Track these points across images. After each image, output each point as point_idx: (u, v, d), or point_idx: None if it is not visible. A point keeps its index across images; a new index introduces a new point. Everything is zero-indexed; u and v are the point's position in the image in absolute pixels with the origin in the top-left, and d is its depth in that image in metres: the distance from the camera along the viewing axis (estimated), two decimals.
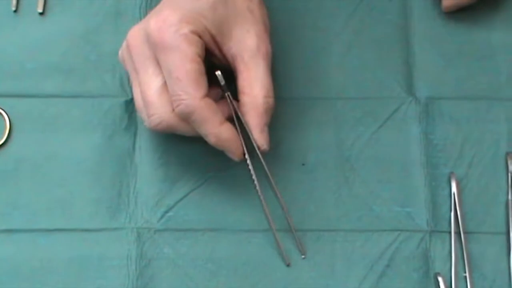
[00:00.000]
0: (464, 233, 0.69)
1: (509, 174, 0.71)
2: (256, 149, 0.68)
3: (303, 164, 0.71)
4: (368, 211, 0.70)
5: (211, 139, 0.66)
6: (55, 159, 0.71)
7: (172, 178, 0.71)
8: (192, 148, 0.70)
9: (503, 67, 0.74)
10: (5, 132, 0.71)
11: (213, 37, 0.66)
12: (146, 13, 0.74)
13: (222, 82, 0.67)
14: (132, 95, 0.70)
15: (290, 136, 0.72)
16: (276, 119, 0.72)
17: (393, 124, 0.72)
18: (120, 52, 0.69)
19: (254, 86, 0.67)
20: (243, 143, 0.67)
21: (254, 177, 0.68)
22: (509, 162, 0.71)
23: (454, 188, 0.70)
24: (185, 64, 0.64)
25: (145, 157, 0.71)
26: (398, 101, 0.73)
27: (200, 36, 0.65)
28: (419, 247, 0.69)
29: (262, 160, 0.68)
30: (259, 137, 0.67)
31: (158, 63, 0.65)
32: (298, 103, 0.73)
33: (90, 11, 0.75)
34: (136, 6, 0.75)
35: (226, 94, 0.67)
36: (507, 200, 0.70)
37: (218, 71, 0.66)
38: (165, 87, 0.65)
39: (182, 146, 0.71)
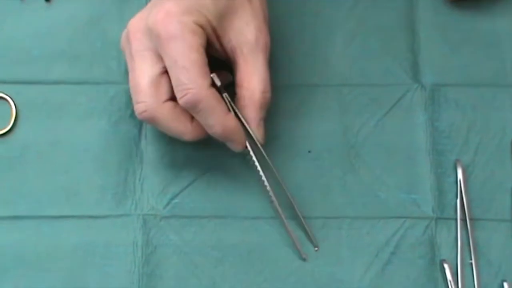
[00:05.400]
0: (470, 220, 0.69)
1: None
2: (257, 141, 0.68)
3: (309, 152, 0.71)
4: (373, 198, 0.70)
5: (217, 129, 0.65)
6: (61, 145, 0.71)
7: (178, 165, 0.71)
8: None
9: (508, 54, 0.74)
10: (11, 119, 0.71)
11: (214, 30, 0.66)
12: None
13: (218, 84, 0.66)
14: None
15: (295, 124, 0.72)
16: (281, 107, 0.72)
17: (398, 111, 0.72)
18: (121, 39, 0.69)
19: (252, 80, 0.67)
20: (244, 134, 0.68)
21: (259, 168, 0.68)
22: None
23: (460, 175, 0.70)
24: (190, 54, 0.63)
25: (151, 144, 0.71)
26: (404, 88, 0.73)
27: (202, 28, 0.64)
28: (425, 234, 0.69)
29: (264, 153, 0.68)
30: (256, 131, 0.68)
31: (156, 54, 0.65)
32: (303, 90, 0.73)
33: None
34: None
35: (223, 95, 0.67)
36: None
37: (213, 73, 0.66)
38: (159, 78, 0.65)
39: None
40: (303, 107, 0.72)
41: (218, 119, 0.65)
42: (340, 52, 0.74)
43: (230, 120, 0.66)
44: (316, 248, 0.69)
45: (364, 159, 0.71)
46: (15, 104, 0.72)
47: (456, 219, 0.69)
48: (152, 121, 0.66)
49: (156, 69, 0.65)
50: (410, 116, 0.72)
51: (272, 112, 0.71)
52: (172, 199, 0.70)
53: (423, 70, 0.73)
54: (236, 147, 0.67)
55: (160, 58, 0.65)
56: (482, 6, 0.75)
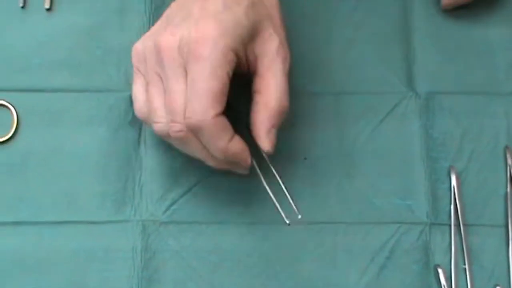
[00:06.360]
0: (464, 225, 0.70)
1: (508, 168, 0.71)
2: (261, 149, 0.66)
3: (305, 158, 0.72)
4: (369, 204, 0.71)
5: (218, 156, 0.65)
6: (61, 152, 0.72)
7: (176, 172, 0.71)
8: None
9: (501, 63, 0.75)
10: (12, 126, 0.72)
11: (245, 46, 0.65)
12: (151, 9, 0.75)
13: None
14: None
15: (292, 131, 0.72)
16: None
17: (393, 119, 0.73)
18: (138, 52, 0.67)
19: (269, 86, 0.66)
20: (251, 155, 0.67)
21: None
22: (507, 155, 0.72)
23: (453, 182, 0.71)
24: (210, 81, 0.62)
25: (150, 150, 0.72)
26: (399, 96, 0.74)
27: (235, 52, 0.64)
28: (419, 240, 0.70)
29: (270, 165, 0.68)
30: (264, 138, 0.66)
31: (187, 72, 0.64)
32: (299, 98, 0.73)
33: (96, 7, 0.75)
34: (141, 2, 0.76)
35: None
36: (506, 193, 0.71)
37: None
38: None
39: None
40: (300, 115, 0.73)
41: (219, 147, 0.64)
42: (336, 60, 0.75)
43: (232, 146, 0.64)
44: (299, 216, 0.67)
45: (359, 166, 0.72)
46: (16, 112, 0.73)
47: (450, 225, 0.70)
48: (184, 140, 0.65)
49: None
50: (405, 123, 0.73)
51: None
52: (171, 205, 0.71)
53: (418, 78, 0.74)
54: (241, 171, 0.67)
55: None
56: (475, 15, 0.76)
